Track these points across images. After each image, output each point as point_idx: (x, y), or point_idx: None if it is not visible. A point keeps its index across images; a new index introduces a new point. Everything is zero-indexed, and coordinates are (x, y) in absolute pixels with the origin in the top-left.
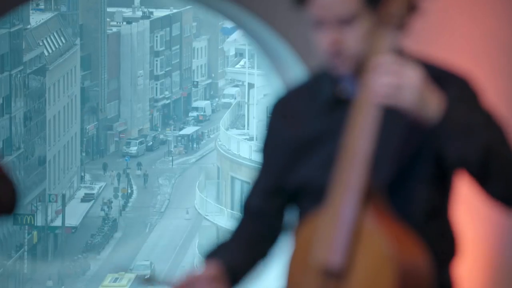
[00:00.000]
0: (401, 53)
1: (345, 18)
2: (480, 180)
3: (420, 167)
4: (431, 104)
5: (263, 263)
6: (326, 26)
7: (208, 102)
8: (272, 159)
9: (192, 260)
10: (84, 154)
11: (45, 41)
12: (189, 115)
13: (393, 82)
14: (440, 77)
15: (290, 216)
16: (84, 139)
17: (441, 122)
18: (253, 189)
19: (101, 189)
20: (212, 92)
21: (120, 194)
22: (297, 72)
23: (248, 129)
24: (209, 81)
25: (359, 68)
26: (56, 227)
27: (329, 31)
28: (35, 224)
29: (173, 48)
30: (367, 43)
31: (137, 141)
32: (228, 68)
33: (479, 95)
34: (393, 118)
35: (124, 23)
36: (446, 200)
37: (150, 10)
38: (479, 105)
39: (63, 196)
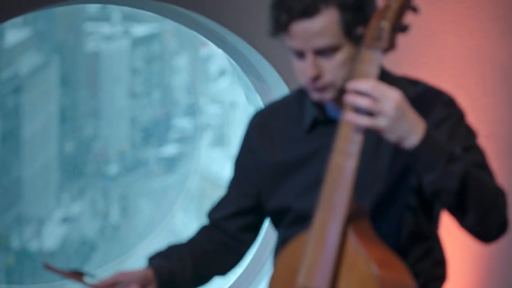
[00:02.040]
0: (385, 73)
1: (324, 50)
2: (453, 210)
3: (407, 189)
4: (411, 129)
5: (211, 279)
6: (305, 56)
7: (189, 121)
8: (247, 179)
9: None
10: (61, 174)
11: (21, 59)
12: (170, 134)
13: (367, 108)
14: (426, 96)
15: (254, 239)
16: (62, 159)
17: (422, 147)
18: (221, 203)
19: (79, 210)
20: (193, 111)
21: (98, 215)
22: (279, 92)
23: (230, 149)
24: (191, 99)
25: (341, 94)
26: (33, 250)
27: (308, 62)
28: (11, 247)
29: (153, 66)
30: (352, 67)
31: (116, 161)
32: (210, 86)
33: (464, 115)
34: (379, 139)
35: (103, 40)
36: (434, 222)
37: (130, 27)
38: (463, 127)
39: (40, 218)
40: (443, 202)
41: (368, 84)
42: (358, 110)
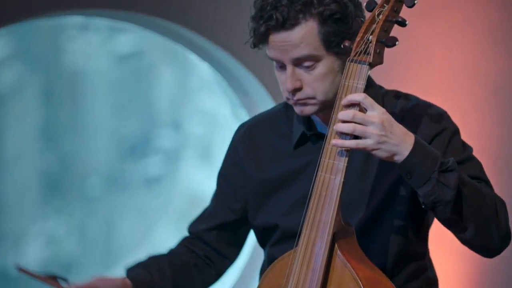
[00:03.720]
0: (374, 88)
1: (303, 61)
2: (452, 223)
3: (395, 208)
4: (399, 143)
5: None
6: (285, 67)
7: (173, 136)
8: (233, 193)
9: None
10: (42, 191)
11: (1, 74)
12: (153, 150)
13: (350, 130)
14: (417, 110)
15: (237, 254)
16: (43, 176)
17: (413, 159)
18: (203, 216)
19: (60, 228)
20: (177, 127)
21: (80, 233)
22: (266, 107)
23: (215, 165)
24: (175, 115)
25: (325, 108)
26: (13, 271)
27: (287, 74)
28: None
29: (137, 81)
30: (335, 80)
31: (99, 178)
32: (195, 102)
33: (457, 130)
34: (367, 160)
35: (86, 54)
36: (424, 240)
37: (114, 41)
38: (456, 141)
39: (20, 236)
40: (440, 214)
41: (348, 113)
42: (344, 132)
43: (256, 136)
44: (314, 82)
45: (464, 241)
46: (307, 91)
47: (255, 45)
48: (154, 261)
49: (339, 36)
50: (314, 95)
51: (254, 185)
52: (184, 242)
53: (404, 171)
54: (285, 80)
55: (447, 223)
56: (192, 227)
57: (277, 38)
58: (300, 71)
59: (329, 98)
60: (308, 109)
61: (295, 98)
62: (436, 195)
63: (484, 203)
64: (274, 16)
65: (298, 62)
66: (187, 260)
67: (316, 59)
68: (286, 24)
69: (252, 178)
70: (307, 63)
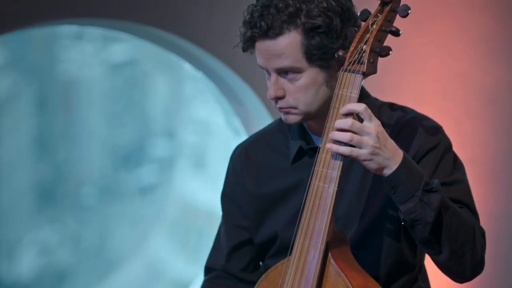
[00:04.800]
0: (370, 100)
1: (286, 71)
2: (428, 244)
3: (390, 221)
4: (389, 158)
5: None
6: (270, 75)
7: (167, 145)
8: (240, 212)
9: None
10: (36, 200)
11: None
12: (147, 159)
13: (347, 139)
14: (412, 123)
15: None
16: (37, 185)
17: (399, 176)
18: (216, 246)
19: (55, 238)
20: (171, 136)
21: (75, 243)
22: (260, 116)
23: (208, 174)
24: (168, 123)
25: (310, 118)
26: (7, 281)
27: (270, 82)
28: None
29: (130, 90)
30: (322, 94)
31: (92, 187)
32: (189, 110)
33: (450, 146)
34: (364, 172)
35: (79, 64)
36: (418, 253)
37: (108, 50)
38: (448, 159)
39: (14, 247)
40: (419, 233)
41: (347, 122)
42: (339, 141)
43: (253, 155)
44: (296, 93)
45: (437, 263)
46: (289, 101)
47: (243, 50)
48: None
49: (322, 50)
50: (296, 105)
51: (254, 202)
52: (207, 285)
53: (389, 186)
54: (269, 87)
55: (424, 243)
56: (211, 262)
57: (261, 45)
58: (283, 80)
59: (312, 109)
60: (291, 118)
61: (278, 106)
62: (418, 213)
63: (462, 229)
64: (259, 24)
65: (281, 72)
66: None
67: (297, 71)
68: (270, 32)
69: (252, 194)
70: (290, 73)
